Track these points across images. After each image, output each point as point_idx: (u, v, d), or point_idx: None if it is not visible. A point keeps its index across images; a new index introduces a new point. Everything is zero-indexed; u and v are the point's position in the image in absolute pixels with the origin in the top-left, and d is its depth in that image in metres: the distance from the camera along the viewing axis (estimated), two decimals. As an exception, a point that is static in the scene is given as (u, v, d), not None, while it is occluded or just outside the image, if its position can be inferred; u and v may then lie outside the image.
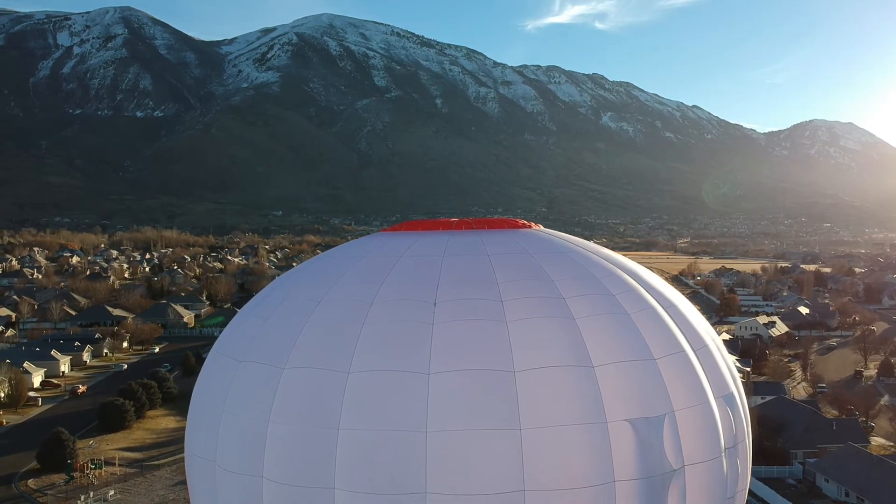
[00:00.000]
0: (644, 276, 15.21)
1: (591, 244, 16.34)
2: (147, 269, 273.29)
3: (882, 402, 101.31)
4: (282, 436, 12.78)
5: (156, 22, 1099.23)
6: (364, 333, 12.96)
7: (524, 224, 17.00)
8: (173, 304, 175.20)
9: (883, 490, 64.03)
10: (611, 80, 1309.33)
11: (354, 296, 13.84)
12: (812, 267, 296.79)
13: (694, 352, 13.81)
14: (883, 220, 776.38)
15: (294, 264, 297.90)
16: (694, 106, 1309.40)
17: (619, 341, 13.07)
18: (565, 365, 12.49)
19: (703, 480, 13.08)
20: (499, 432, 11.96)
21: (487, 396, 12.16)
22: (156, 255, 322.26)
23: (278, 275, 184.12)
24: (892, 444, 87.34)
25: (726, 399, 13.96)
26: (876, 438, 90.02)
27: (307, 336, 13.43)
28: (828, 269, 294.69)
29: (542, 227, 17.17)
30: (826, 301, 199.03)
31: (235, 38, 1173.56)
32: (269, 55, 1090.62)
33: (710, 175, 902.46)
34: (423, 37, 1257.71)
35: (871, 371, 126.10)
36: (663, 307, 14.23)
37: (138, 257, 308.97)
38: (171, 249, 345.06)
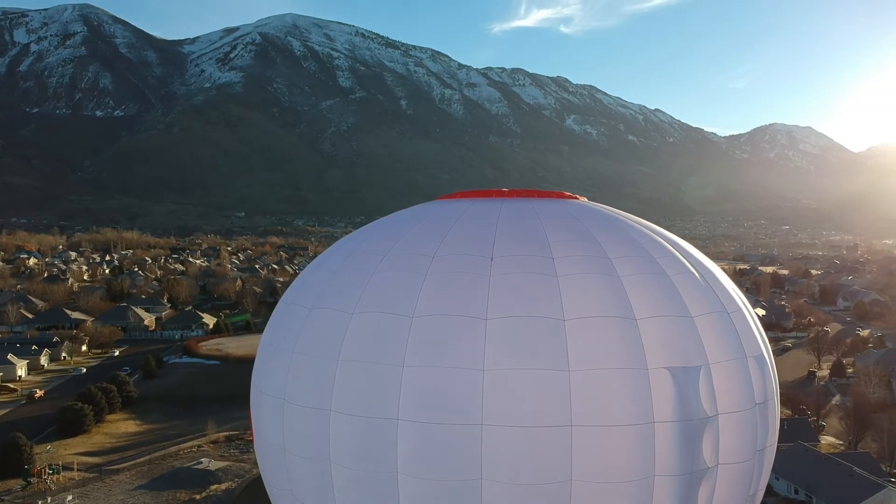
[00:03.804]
0: (683, 245, 16.29)
1: (633, 216, 17.37)
2: (107, 271, 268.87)
3: (833, 402, 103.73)
4: (350, 373, 13.74)
5: (116, 20, 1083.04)
6: (427, 283, 13.94)
7: (571, 196, 18.08)
8: (134, 307, 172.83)
9: (830, 487, 65.90)
10: (574, 83, 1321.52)
11: (417, 250, 14.82)
12: (770, 269, 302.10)
13: (728, 314, 14.78)
14: (840, 222, 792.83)
15: (257, 266, 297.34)
16: (656, 109, 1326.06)
17: (659, 298, 14.03)
18: (611, 316, 13.47)
19: (735, 429, 14.00)
20: (549, 372, 12.90)
21: (539, 340, 13.09)
22: (116, 256, 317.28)
23: (241, 277, 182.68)
24: (841, 442, 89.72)
25: (757, 359, 14.92)
26: (826, 437, 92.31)
27: (374, 285, 14.42)
28: (785, 271, 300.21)
29: (587, 200, 18.24)
30: (783, 303, 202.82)
31: (198, 37, 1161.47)
32: (232, 55, 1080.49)
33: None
34: (387, 38, 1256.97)
35: (825, 371, 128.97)
36: (700, 273, 15.23)
37: (98, 259, 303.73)
38: (131, 251, 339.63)
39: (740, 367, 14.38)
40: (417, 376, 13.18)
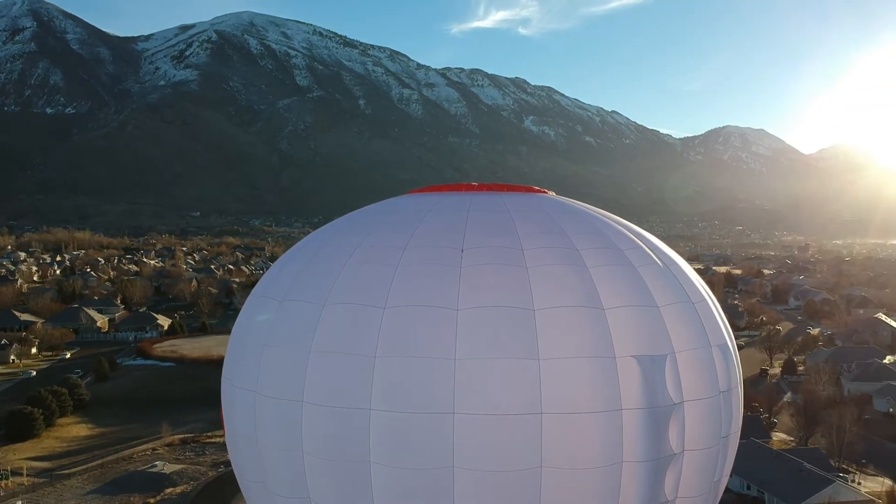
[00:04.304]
0: (649, 237, 16.69)
1: (600, 210, 17.65)
2: (58, 271, 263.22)
3: (785, 399, 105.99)
4: (322, 364, 13.84)
5: (67, 15, 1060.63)
6: (398, 274, 14.11)
7: (540, 190, 18.35)
8: (86, 308, 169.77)
9: (781, 482, 67.42)
10: (533, 84, 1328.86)
11: (388, 243, 14.97)
12: (723, 269, 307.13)
13: (693, 304, 15.16)
14: (792, 223, 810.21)
15: (212, 267, 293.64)
16: (613, 111, 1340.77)
17: (626, 289, 14.33)
18: (579, 306, 13.74)
19: (700, 417, 14.35)
20: (519, 361, 13.12)
21: (510, 330, 13.32)
22: (67, 257, 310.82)
23: (196, 278, 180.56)
24: (792, 438, 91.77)
25: (721, 348, 15.32)
26: (778, 434, 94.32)
27: (345, 277, 14.54)
28: (738, 271, 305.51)
29: (554, 194, 18.51)
30: (736, 302, 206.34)
31: (152, 34, 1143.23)
32: (187, 52, 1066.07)
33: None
34: (345, 37, 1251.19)
35: (776, 369, 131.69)
36: (665, 264, 15.62)
37: (48, 259, 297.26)
38: (83, 251, 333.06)
39: (705, 355, 14.78)
40: (389, 366, 13.32)
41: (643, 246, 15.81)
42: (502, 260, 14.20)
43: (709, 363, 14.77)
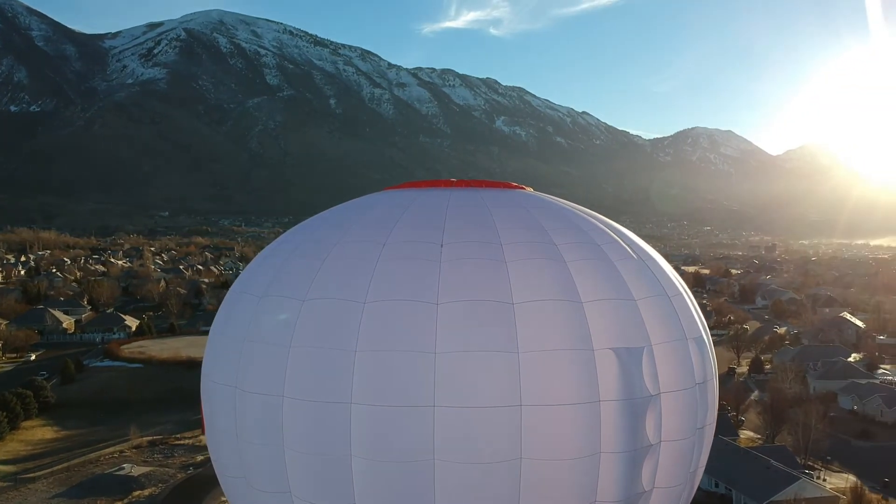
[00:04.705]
0: (626, 232, 16.89)
1: (577, 206, 17.84)
2: (22, 272, 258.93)
3: (752, 398, 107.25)
4: (303, 359, 13.85)
5: (31, 12, 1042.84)
6: (378, 269, 14.15)
7: (518, 186, 18.45)
8: (51, 310, 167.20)
9: (748, 479, 68.29)
10: (504, 84, 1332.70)
11: (368, 238, 15.02)
12: (692, 268, 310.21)
13: (669, 297, 15.35)
14: (759, 223, 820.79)
15: (181, 267, 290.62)
16: (584, 112, 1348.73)
17: (604, 283, 14.49)
18: (558, 299, 13.86)
19: (676, 408, 14.54)
20: (499, 354, 13.23)
21: (489, 323, 13.42)
22: (32, 257, 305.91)
23: (165, 278, 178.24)
24: (759, 436, 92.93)
25: (697, 341, 15.51)
26: (745, 431, 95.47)
27: (325, 272, 14.55)
28: (707, 271, 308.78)
29: (532, 190, 18.63)
30: (704, 301, 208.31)
31: (119, 31, 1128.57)
32: (155, 50, 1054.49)
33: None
34: (316, 36, 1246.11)
35: (744, 368, 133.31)
36: (642, 259, 15.82)
37: (12, 260, 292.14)
38: (48, 252, 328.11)
39: (681, 348, 14.99)
40: (370, 360, 13.37)
41: (620, 241, 16.02)
42: (481, 255, 14.31)
43: (685, 356, 15.00)
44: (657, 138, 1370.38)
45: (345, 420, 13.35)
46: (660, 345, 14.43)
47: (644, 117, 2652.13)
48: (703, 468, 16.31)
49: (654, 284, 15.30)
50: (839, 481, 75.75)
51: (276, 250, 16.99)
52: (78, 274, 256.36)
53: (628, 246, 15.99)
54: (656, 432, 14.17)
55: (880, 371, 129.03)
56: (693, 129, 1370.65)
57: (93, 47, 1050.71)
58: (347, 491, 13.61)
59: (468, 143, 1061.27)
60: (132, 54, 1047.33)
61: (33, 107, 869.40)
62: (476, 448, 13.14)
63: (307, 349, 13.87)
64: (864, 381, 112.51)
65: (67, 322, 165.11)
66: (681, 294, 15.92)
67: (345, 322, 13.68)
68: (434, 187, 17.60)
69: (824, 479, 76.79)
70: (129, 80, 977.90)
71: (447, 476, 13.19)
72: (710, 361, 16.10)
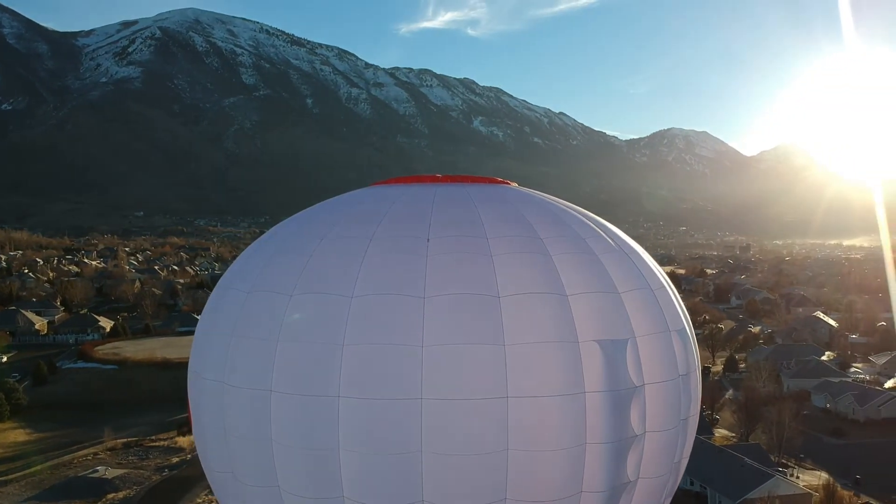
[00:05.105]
0: (609, 227, 17.11)
1: (561, 200, 17.98)
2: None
3: (727, 396, 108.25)
4: (290, 353, 13.90)
5: (3, 9, 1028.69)
6: (365, 264, 14.25)
7: (503, 181, 18.64)
8: (23, 311, 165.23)
9: (723, 477, 68.98)
10: (481, 85, 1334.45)
11: (354, 233, 15.11)
12: (668, 268, 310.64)
13: (652, 290, 15.57)
14: (734, 224, 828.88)
15: (156, 267, 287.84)
16: (561, 113, 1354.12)
17: (588, 276, 14.66)
18: (543, 292, 14.01)
19: (660, 399, 14.73)
20: (485, 347, 13.37)
21: (476, 317, 13.56)
22: (3, 258, 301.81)
23: (139, 278, 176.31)
24: (734, 434, 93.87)
25: (680, 333, 15.74)
26: (720, 430, 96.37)
27: (312, 267, 14.63)
28: (682, 271, 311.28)
29: (517, 185, 18.83)
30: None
31: (93, 29, 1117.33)
32: (130, 49, 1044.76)
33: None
34: (293, 35, 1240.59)
35: (719, 367, 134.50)
36: (625, 252, 16.04)
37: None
38: (20, 252, 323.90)
39: (664, 340, 15.20)
40: (358, 354, 13.46)
41: (604, 235, 16.24)
42: (468, 249, 14.46)
43: (668, 347, 15.21)
44: (634, 139, 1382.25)
45: (333, 413, 13.44)
46: (643, 337, 14.65)
47: (621, 118, 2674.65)
48: (688, 459, 16.53)
49: (637, 278, 15.53)
50: (812, 478, 76.71)
51: (263, 245, 17.07)
52: (51, 274, 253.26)
53: (612, 240, 16.23)
54: (641, 423, 14.39)
55: (852, 369, 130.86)
56: (669, 129, 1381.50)
57: (66, 45, 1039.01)
58: (336, 484, 13.69)
59: (445, 144, 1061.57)
60: (106, 53, 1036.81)
61: (5, 105, 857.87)
62: (463, 440, 13.29)
63: (295, 343, 13.95)
64: (836, 380, 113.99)
65: (40, 323, 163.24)
66: (664, 287, 16.15)
67: (332, 316, 13.79)
68: (420, 183, 17.74)
69: (797, 477, 77.74)
70: (104, 79, 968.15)
71: (435, 468, 13.33)
72: (693, 353, 16.34)
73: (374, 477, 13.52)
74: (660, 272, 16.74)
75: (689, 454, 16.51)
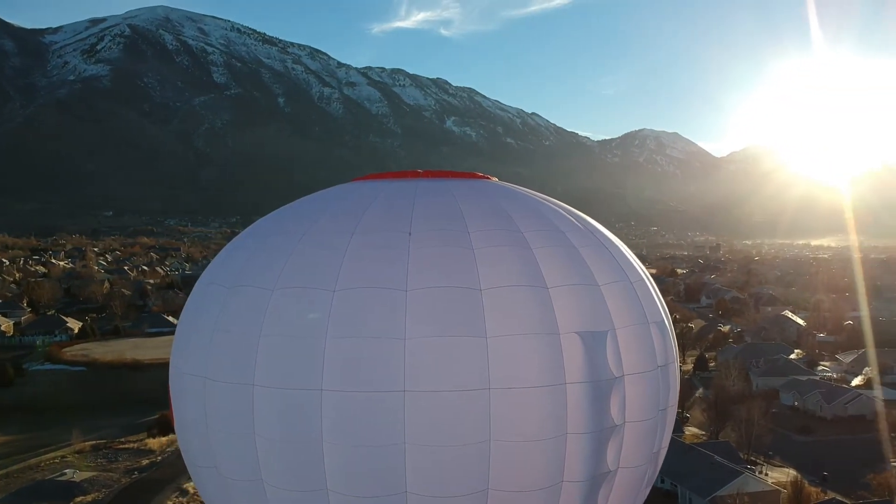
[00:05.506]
0: (589, 220, 17.33)
1: (541, 194, 18.18)
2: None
3: (697, 395, 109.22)
4: (272, 347, 13.94)
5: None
6: (347, 258, 14.33)
7: (483, 176, 18.79)
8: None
9: (693, 475, 69.57)
10: (454, 85, 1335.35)
11: (336, 228, 15.18)
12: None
13: (631, 283, 15.77)
14: (704, 224, 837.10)
15: (125, 268, 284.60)
16: (533, 113, 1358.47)
17: (568, 268, 14.83)
18: (524, 285, 14.16)
19: (640, 390, 14.94)
20: (467, 339, 13.50)
21: (457, 309, 13.69)
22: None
23: (108, 279, 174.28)
24: (704, 432, 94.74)
25: (658, 325, 15.94)
26: (690, 428, 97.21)
27: (294, 262, 14.66)
28: (653, 270, 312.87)
29: (498, 179, 18.93)
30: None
31: (61, 26, 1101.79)
32: (98, 47, 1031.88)
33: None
34: (265, 34, 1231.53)
35: (689, 366, 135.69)
36: (605, 245, 16.31)
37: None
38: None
39: (643, 331, 15.41)
40: (340, 347, 13.53)
41: (584, 228, 16.46)
42: (449, 242, 14.59)
43: (647, 339, 15.42)
44: (605, 140, 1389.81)
45: (315, 407, 13.50)
46: (623, 328, 14.84)
47: (593, 119, 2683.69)
48: (667, 449, 16.73)
49: (616, 270, 15.74)
50: (780, 475, 77.67)
51: (245, 240, 17.10)
52: (17, 275, 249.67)
53: (592, 233, 16.47)
54: (620, 413, 14.57)
55: (820, 368, 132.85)
56: (640, 130, 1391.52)
57: (32, 42, 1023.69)
58: (319, 477, 13.76)
59: (419, 143, 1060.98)
60: (74, 50, 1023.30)
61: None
62: (446, 431, 13.42)
63: (277, 338, 14.00)
64: (804, 378, 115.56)
65: (6, 324, 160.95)
66: (643, 280, 16.36)
67: (315, 310, 13.87)
68: (401, 178, 17.83)
69: (766, 474, 78.69)
70: (72, 77, 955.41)
71: (418, 459, 13.43)
72: (672, 345, 16.59)
73: (358, 469, 13.60)
74: (639, 265, 16.97)
75: (668, 444, 16.74)
